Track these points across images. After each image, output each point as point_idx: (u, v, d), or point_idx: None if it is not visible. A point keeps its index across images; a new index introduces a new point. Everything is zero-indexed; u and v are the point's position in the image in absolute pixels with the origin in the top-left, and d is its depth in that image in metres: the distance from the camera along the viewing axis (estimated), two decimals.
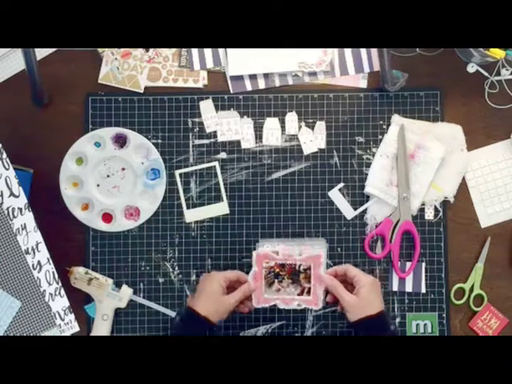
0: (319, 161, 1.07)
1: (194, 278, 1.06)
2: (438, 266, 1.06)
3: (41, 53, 1.06)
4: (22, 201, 0.92)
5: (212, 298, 0.93)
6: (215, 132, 1.07)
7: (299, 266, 1.03)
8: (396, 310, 1.06)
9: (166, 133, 1.07)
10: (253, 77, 1.07)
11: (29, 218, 0.92)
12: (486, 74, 1.07)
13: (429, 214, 1.06)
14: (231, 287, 0.96)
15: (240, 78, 1.07)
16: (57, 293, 0.92)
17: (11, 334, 0.91)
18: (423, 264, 1.06)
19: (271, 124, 1.07)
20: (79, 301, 1.04)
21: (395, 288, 1.06)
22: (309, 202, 1.06)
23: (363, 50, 1.08)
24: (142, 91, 1.07)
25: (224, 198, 1.07)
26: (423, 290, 1.06)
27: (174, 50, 1.08)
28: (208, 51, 1.07)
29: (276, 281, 1.02)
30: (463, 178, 1.07)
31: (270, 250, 0.99)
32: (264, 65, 1.07)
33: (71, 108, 1.07)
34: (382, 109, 1.07)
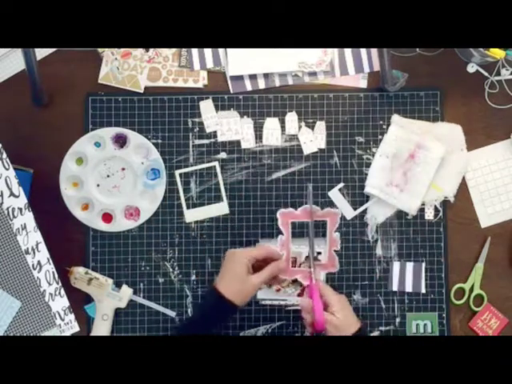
0: (319, 161, 1.07)
1: (193, 277, 1.06)
2: (438, 266, 1.06)
3: (41, 53, 1.06)
4: (22, 201, 0.92)
5: (235, 278, 0.90)
6: (215, 132, 1.07)
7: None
8: (396, 310, 1.06)
9: (166, 133, 1.07)
10: (253, 77, 1.07)
11: (29, 218, 0.92)
12: (486, 74, 1.07)
13: (429, 214, 1.06)
14: (260, 265, 0.93)
15: (240, 78, 1.07)
16: (57, 293, 0.92)
17: (11, 334, 0.91)
18: (423, 264, 1.06)
19: (271, 124, 1.07)
20: (79, 301, 1.04)
21: (395, 288, 1.06)
22: None
23: (363, 50, 1.08)
24: (141, 91, 1.07)
25: (224, 198, 1.07)
26: (423, 290, 1.06)
27: (173, 50, 1.08)
28: (208, 51, 1.07)
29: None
30: (463, 178, 1.07)
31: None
32: (264, 65, 1.07)
33: (71, 108, 1.07)
34: (382, 109, 1.07)
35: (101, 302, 1.03)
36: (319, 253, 1.03)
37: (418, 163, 1.04)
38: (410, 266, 1.05)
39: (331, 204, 1.06)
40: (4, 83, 1.08)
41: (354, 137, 1.07)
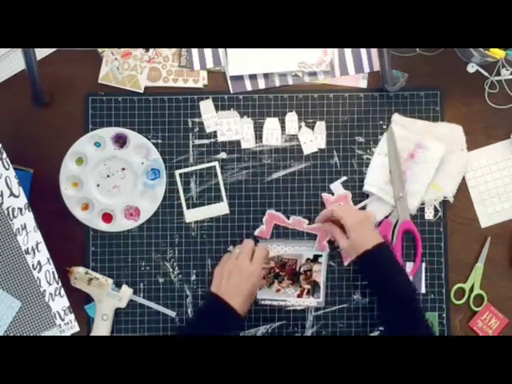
0: (319, 161, 1.07)
1: (193, 277, 1.06)
2: (438, 266, 1.06)
3: (41, 53, 1.06)
4: (22, 201, 0.92)
5: (250, 297, 0.95)
6: (215, 132, 1.07)
7: (300, 267, 1.03)
8: None
9: (166, 133, 1.07)
10: (253, 77, 1.07)
11: (29, 218, 0.92)
12: (486, 74, 1.07)
13: (428, 214, 1.06)
14: None
15: (240, 78, 1.07)
16: (57, 293, 0.92)
17: (11, 334, 0.91)
18: (423, 264, 1.06)
19: (271, 124, 1.07)
20: (79, 301, 1.04)
21: None
22: (309, 202, 1.06)
23: (363, 50, 1.08)
24: (141, 91, 1.07)
25: (224, 198, 1.07)
26: (423, 290, 1.06)
27: (173, 50, 1.08)
28: (208, 51, 1.07)
29: (276, 281, 1.02)
30: (463, 178, 1.07)
31: (274, 254, 1.01)
32: (264, 65, 1.07)
33: (71, 108, 1.07)
34: (382, 109, 1.07)
35: (101, 301, 1.03)
36: (320, 255, 1.03)
37: (418, 163, 1.04)
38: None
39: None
40: (4, 83, 1.08)
41: (353, 137, 1.07)
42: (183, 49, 1.08)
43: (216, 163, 1.07)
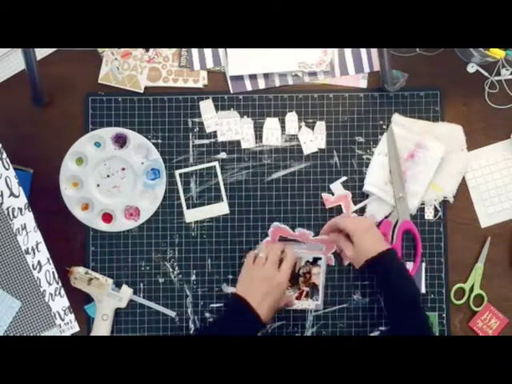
0: (319, 161, 1.07)
1: (193, 277, 1.06)
2: (438, 265, 1.06)
3: (41, 53, 1.06)
4: (22, 201, 0.92)
5: (277, 303, 0.95)
6: (215, 132, 1.07)
7: (299, 270, 1.03)
8: None
9: (166, 133, 1.07)
10: (253, 77, 1.07)
11: (29, 218, 0.92)
12: (486, 74, 1.07)
13: (428, 214, 1.06)
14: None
15: (240, 78, 1.07)
16: (57, 293, 0.92)
17: (11, 334, 0.91)
18: (423, 264, 1.06)
19: (271, 124, 1.07)
20: (79, 301, 1.04)
21: None
22: (309, 202, 1.06)
23: (363, 50, 1.08)
24: (142, 91, 1.07)
25: (224, 198, 1.07)
26: (423, 290, 1.06)
27: (173, 50, 1.08)
28: (208, 51, 1.07)
29: None
30: (463, 178, 1.07)
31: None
32: (264, 65, 1.07)
33: (71, 108, 1.07)
34: (382, 109, 1.07)
35: (101, 302, 1.03)
36: (319, 258, 1.03)
37: (418, 163, 1.04)
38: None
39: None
40: (4, 83, 1.08)
41: (353, 137, 1.07)
42: (183, 49, 1.08)
43: (216, 163, 1.07)
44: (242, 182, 1.07)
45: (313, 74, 1.08)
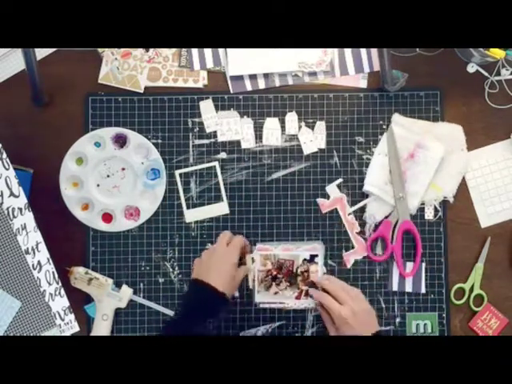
0: (319, 161, 1.07)
1: None
2: (438, 265, 1.06)
3: (41, 53, 1.06)
4: (22, 201, 0.92)
5: (228, 274, 0.94)
6: (215, 132, 1.07)
7: (296, 269, 1.03)
8: (396, 309, 1.06)
9: (166, 133, 1.07)
10: (253, 77, 1.07)
11: (29, 218, 0.92)
12: (486, 74, 1.07)
13: (428, 214, 1.06)
14: None
15: (240, 78, 1.07)
16: (57, 293, 0.92)
17: (11, 334, 0.91)
18: (423, 264, 1.06)
19: (271, 124, 1.07)
20: (79, 301, 1.04)
21: (395, 288, 1.06)
22: (309, 202, 1.06)
23: (363, 50, 1.08)
24: (142, 91, 1.07)
25: (224, 198, 1.07)
26: (423, 290, 1.06)
27: (173, 50, 1.08)
28: (208, 51, 1.07)
29: (273, 284, 1.02)
30: (463, 178, 1.07)
31: (270, 252, 1.01)
32: (264, 65, 1.07)
33: (71, 108, 1.07)
34: (382, 109, 1.07)
35: (101, 302, 1.03)
36: (316, 255, 1.03)
37: (418, 163, 1.04)
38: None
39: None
40: (4, 83, 1.08)
41: (353, 137, 1.07)
42: (183, 49, 1.08)
43: (216, 163, 1.07)
44: (242, 182, 1.07)
45: (313, 73, 1.08)
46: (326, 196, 1.06)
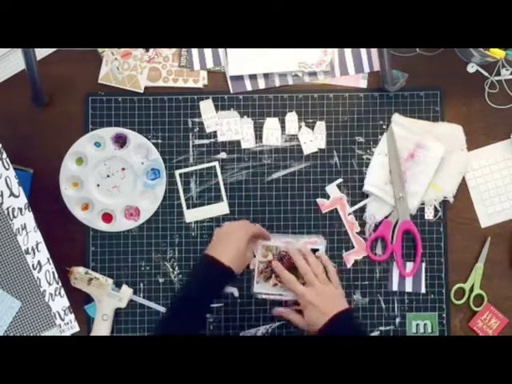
0: (319, 161, 1.07)
1: None
2: (438, 266, 1.06)
3: (41, 53, 1.06)
4: (22, 201, 0.92)
5: (238, 252, 0.95)
6: (215, 132, 1.07)
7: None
8: (396, 309, 1.06)
9: (166, 133, 1.07)
10: (253, 77, 1.07)
11: (29, 218, 0.92)
12: (486, 74, 1.07)
13: (428, 214, 1.06)
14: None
15: (240, 78, 1.07)
16: (57, 293, 0.92)
17: (11, 334, 0.91)
18: (423, 264, 1.06)
19: (271, 124, 1.07)
20: (79, 301, 1.04)
21: (395, 288, 1.06)
22: (309, 202, 1.06)
23: (363, 50, 1.08)
24: (142, 91, 1.07)
25: (224, 198, 1.07)
26: (423, 290, 1.06)
27: (173, 50, 1.08)
28: (208, 51, 1.07)
29: (273, 275, 1.02)
30: (463, 178, 1.07)
31: (272, 244, 1.01)
32: (264, 65, 1.07)
33: (71, 108, 1.07)
34: (382, 109, 1.07)
35: (101, 302, 1.03)
36: (317, 249, 1.03)
37: (418, 163, 1.04)
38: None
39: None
40: (4, 83, 1.08)
41: (353, 137, 1.07)
42: (183, 49, 1.08)
43: (216, 163, 1.07)
44: (242, 182, 1.07)
45: (313, 73, 1.08)
46: (326, 196, 1.06)
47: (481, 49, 0.98)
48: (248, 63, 1.06)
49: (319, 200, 1.06)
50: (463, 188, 1.07)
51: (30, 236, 0.92)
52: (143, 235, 1.06)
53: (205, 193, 1.07)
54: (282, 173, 1.07)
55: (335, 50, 1.07)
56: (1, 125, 1.07)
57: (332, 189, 1.06)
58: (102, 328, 1.03)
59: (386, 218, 1.05)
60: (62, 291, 0.93)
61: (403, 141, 1.05)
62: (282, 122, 1.07)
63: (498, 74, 1.07)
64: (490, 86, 1.07)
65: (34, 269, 0.92)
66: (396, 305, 1.06)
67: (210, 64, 1.08)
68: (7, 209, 0.91)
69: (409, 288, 1.06)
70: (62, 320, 0.93)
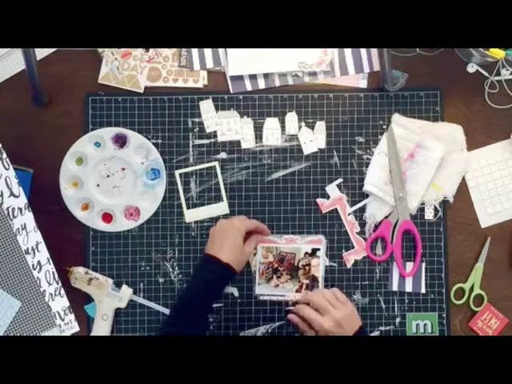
0: (319, 161, 1.07)
1: None
2: (438, 266, 1.06)
3: (41, 53, 1.06)
4: (22, 201, 0.92)
5: (235, 247, 0.95)
6: (215, 132, 1.07)
7: (298, 262, 1.03)
8: (396, 309, 1.06)
9: (166, 133, 1.07)
10: (253, 77, 1.07)
11: (29, 218, 0.92)
12: (485, 74, 1.07)
13: (428, 214, 1.06)
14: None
15: (240, 78, 1.07)
16: (57, 293, 0.92)
17: (11, 334, 0.91)
18: (423, 264, 1.06)
19: (271, 124, 1.07)
20: (79, 301, 1.04)
21: (395, 288, 1.06)
22: (309, 202, 1.06)
23: (363, 50, 1.08)
24: (142, 91, 1.07)
25: (224, 198, 1.07)
26: (423, 290, 1.06)
27: (174, 50, 1.08)
28: (208, 51, 1.07)
29: (274, 276, 1.03)
30: (463, 178, 1.07)
31: (272, 245, 1.01)
32: (264, 65, 1.07)
33: (71, 108, 1.07)
34: (382, 109, 1.07)
35: (101, 302, 1.03)
36: (317, 249, 1.04)
37: (418, 163, 1.04)
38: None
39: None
40: (4, 83, 1.08)
41: (354, 137, 1.07)
42: (183, 49, 1.08)
43: (216, 163, 1.07)
44: (242, 182, 1.07)
45: (313, 74, 1.08)
46: (326, 196, 1.06)
47: (481, 49, 0.98)
48: (248, 63, 1.06)
49: (319, 200, 1.06)
50: (463, 188, 1.07)
51: (29, 236, 0.92)
52: (143, 235, 1.06)
53: (205, 193, 1.07)
54: (281, 173, 1.07)
55: (335, 50, 1.08)
56: (1, 125, 1.07)
57: (332, 189, 1.06)
58: (102, 328, 1.03)
59: (386, 218, 1.05)
60: (62, 291, 0.93)
61: (403, 141, 1.05)
62: (282, 122, 1.07)
63: (498, 74, 1.07)
64: (490, 86, 1.07)
65: (34, 269, 0.92)
66: (396, 305, 1.06)
67: (209, 64, 1.08)
68: (7, 209, 0.91)
69: (409, 288, 1.06)
70: (62, 320, 0.93)
